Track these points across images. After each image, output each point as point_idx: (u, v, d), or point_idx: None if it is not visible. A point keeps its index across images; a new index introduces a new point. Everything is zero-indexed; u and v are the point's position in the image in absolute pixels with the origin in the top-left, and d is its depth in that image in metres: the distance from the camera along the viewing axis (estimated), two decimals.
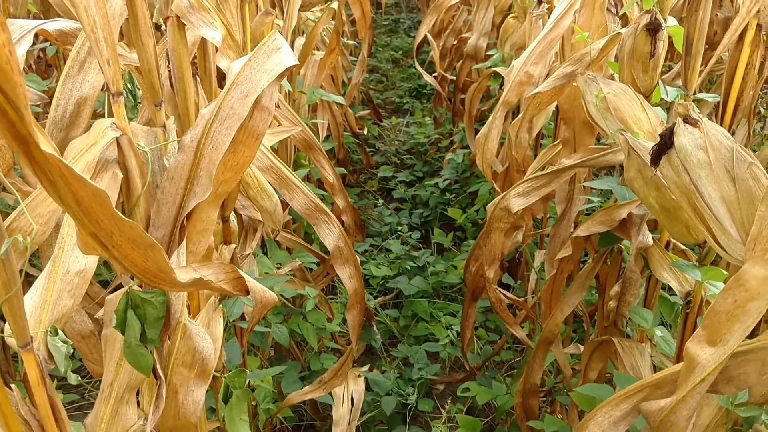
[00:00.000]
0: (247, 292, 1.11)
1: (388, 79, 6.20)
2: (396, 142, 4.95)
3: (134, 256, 0.81)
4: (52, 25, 1.21)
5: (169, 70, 1.20)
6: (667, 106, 1.48)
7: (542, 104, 1.89)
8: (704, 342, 0.94)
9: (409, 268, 3.31)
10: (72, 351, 0.93)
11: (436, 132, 4.78)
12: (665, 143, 1.07)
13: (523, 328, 2.36)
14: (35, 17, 2.44)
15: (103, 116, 1.02)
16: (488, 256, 1.99)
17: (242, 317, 1.71)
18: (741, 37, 1.36)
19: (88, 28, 0.88)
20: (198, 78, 1.42)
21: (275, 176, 1.75)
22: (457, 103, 4.20)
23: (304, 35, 2.87)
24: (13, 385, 0.86)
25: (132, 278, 0.98)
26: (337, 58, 3.10)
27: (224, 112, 0.99)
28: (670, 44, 1.45)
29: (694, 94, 1.39)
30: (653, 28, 1.38)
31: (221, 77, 1.54)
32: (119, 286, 1.04)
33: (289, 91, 2.55)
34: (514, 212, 1.75)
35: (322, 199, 1.86)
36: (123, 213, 0.76)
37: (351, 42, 4.41)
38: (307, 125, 2.43)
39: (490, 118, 2.13)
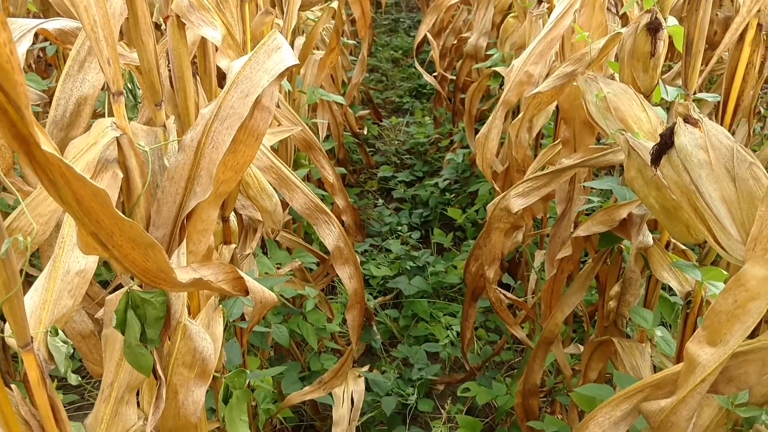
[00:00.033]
0: (246, 292, 1.11)
1: (387, 78, 6.20)
2: (396, 142, 4.95)
3: (134, 256, 0.81)
4: (52, 25, 1.21)
5: (169, 70, 1.20)
6: (668, 106, 1.48)
7: (542, 104, 1.89)
8: (704, 342, 0.94)
9: (409, 268, 3.31)
10: (72, 351, 0.93)
11: (436, 132, 4.78)
12: (665, 143, 1.07)
13: (523, 328, 2.36)
14: (35, 16, 2.44)
15: (103, 116, 1.02)
16: (488, 256, 1.98)
17: (242, 317, 1.71)
18: (741, 37, 1.36)
19: (89, 28, 0.88)
20: (198, 77, 1.42)
21: (275, 176, 1.75)
22: (457, 103, 4.20)
23: (304, 35, 2.87)
24: (13, 386, 0.86)
25: (132, 278, 0.98)
26: (337, 58, 3.09)
27: (224, 112, 0.99)
28: (670, 44, 1.45)
29: (695, 93, 1.39)
30: (654, 28, 1.38)
31: (221, 77, 1.53)
32: (119, 286, 1.04)
33: (289, 90, 2.55)
34: (514, 212, 1.75)
35: (322, 199, 1.86)
36: (123, 213, 0.76)
37: (351, 41, 4.41)
38: (307, 125, 2.43)
39: (490, 118, 2.13)
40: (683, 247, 1.60)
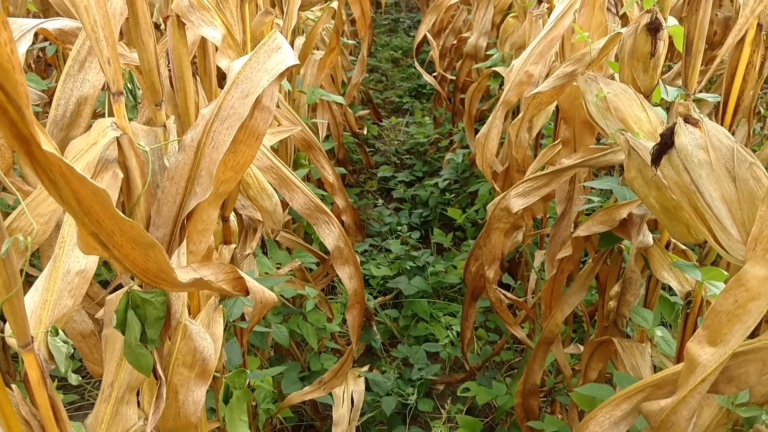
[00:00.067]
0: (247, 292, 1.11)
1: (387, 78, 6.20)
2: (396, 142, 4.95)
3: (135, 256, 0.81)
4: (52, 24, 1.21)
5: (169, 70, 1.20)
6: (668, 106, 1.48)
7: (542, 104, 1.89)
8: (705, 342, 0.94)
9: (408, 268, 3.31)
10: (72, 351, 0.93)
11: (436, 132, 4.78)
12: (666, 143, 1.07)
13: (523, 328, 2.36)
14: (35, 16, 2.43)
15: (103, 116, 1.02)
16: (488, 256, 1.98)
17: (242, 317, 1.71)
18: (742, 37, 1.36)
19: (89, 27, 0.88)
20: (198, 77, 1.42)
21: (275, 176, 1.75)
22: (457, 103, 4.20)
23: (304, 35, 2.87)
24: (13, 386, 0.86)
25: (132, 278, 0.98)
26: (337, 58, 3.10)
27: (225, 112, 0.99)
28: (670, 44, 1.45)
29: (695, 94, 1.39)
30: (654, 28, 1.38)
31: (221, 77, 1.53)
32: (119, 286, 1.04)
33: (288, 90, 2.55)
34: (514, 212, 1.75)
35: (322, 199, 1.86)
36: (123, 213, 0.76)
37: (351, 41, 4.41)
38: (306, 125, 2.43)
39: (490, 118, 2.13)
40: (683, 247, 1.60)
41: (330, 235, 1.84)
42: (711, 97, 1.48)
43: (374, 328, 2.84)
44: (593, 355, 1.81)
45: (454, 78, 4.25)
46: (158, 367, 1.01)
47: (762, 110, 2.52)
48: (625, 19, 2.12)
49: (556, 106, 2.13)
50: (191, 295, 1.27)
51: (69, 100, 1.22)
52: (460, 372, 2.81)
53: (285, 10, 2.38)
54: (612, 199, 1.70)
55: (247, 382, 1.52)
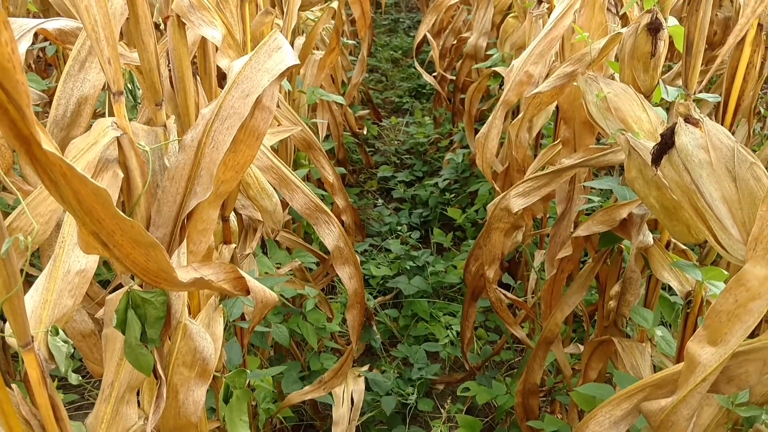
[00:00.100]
0: (247, 291, 1.11)
1: (387, 78, 6.20)
2: (395, 142, 4.95)
3: (135, 256, 0.81)
4: (52, 24, 1.21)
5: (170, 70, 1.20)
6: (668, 106, 1.48)
7: (542, 104, 1.89)
8: (705, 342, 0.94)
9: (408, 268, 3.31)
10: (72, 351, 0.93)
11: (436, 132, 4.78)
12: (666, 143, 1.07)
13: (523, 328, 2.36)
14: (35, 16, 2.44)
15: (103, 116, 1.02)
16: (488, 256, 1.98)
17: (242, 317, 1.71)
18: (742, 37, 1.36)
19: (89, 27, 0.88)
20: (198, 77, 1.42)
21: (275, 176, 1.75)
22: (457, 103, 4.20)
23: (304, 35, 2.87)
24: (14, 385, 0.86)
25: (132, 278, 0.98)
26: (337, 58, 3.10)
27: (225, 112, 0.99)
28: (670, 44, 1.45)
29: (695, 93, 1.39)
30: (654, 28, 1.38)
31: (221, 77, 1.54)
32: (119, 286, 1.04)
33: (288, 90, 2.55)
34: (514, 212, 1.75)
35: (321, 199, 1.86)
36: (123, 212, 0.76)
37: (351, 42, 4.41)
38: (306, 125, 2.43)
39: (490, 118, 2.13)
40: (683, 247, 1.60)
41: (330, 235, 1.84)
42: (711, 97, 1.48)
43: (374, 327, 2.84)
44: (593, 354, 1.81)
45: (454, 78, 4.25)
46: (158, 366, 1.01)
47: (762, 110, 2.52)
48: (625, 19, 2.12)
49: (556, 106, 2.13)
50: (191, 295, 1.27)
51: (69, 99, 1.22)
52: (460, 372, 2.81)
53: (285, 10, 2.38)
54: (612, 199, 1.70)
55: (247, 382, 1.52)
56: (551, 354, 2.02)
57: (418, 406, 2.58)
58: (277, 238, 2.28)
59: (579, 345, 2.29)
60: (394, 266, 3.35)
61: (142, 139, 1.07)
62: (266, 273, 2.00)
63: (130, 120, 1.01)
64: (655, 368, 1.60)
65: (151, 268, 0.83)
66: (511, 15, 3.07)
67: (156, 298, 0.99)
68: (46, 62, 2.94)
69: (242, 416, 1.48)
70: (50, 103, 1.23)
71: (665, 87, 1.46)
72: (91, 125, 1.02)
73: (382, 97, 5.78)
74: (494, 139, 2.16)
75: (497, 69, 3.00)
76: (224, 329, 1.37)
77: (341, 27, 3.21)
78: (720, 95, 1.46)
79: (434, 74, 4.45)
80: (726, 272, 1.32)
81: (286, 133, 2.00)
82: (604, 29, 1.86)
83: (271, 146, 1.94)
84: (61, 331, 0.92)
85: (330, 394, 2.11)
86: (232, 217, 1.65)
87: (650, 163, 1.12)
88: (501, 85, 3.00)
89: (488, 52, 3.33)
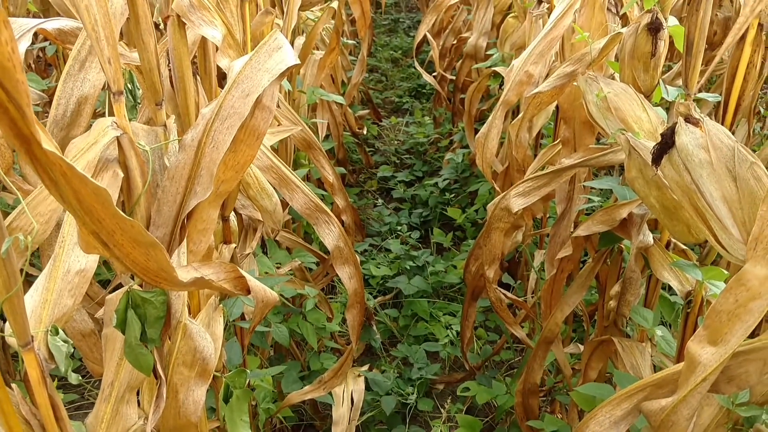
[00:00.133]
0: (248, 291, 1.11)
1: (387, 78, 6.20)
2: (395, 142, 4.95)
3: (135, 255, 0.81)
4: (52, 24, 1.21)
5: (170, 70, 1.20)
6: (668, 106, 1.48)
7: (542, 104, 1.89)
8: (705, 341, 0.94)
9: (408, 267, 3.31)
10: (72, 350, 0.93)
11: (436, 132, 4.78)
12: (666, 143, 1.07)
13: (523, 327, 2.36)
14: (35, 16, 2.43)
15: (103, 115, 1.02)
16: (488, 256, 1.98)
17: (242, 317, 1.71)
18: (742, 37, 1.36)
19: (89, 27, 0.88)
20: (198, 77, 1.42)
21: (275, 176, 1.75)
22: (457, 103, 4.20)
23: (304, 35, 2.87)
24: (13, 385, 0.86)
25: (132, 277, 0.98)
26: (337, 58, 3.10)
27: (225, 111, 0.99)
28: (670, 44, 1.45)
29: (695, 93, 1.39)
30: (654, 28, 1.38)
31: (221, 76, 1.54)
32: (119, 286, 1.04)
33: (288, 90, 2.55)
34: (514, 212, 1.75)
35: (321, 199, 1.86)
36: (123, 212, 0.76)
37: (351, 41, 4.41)
38: (306, 125, 2.43)
39: (489, 118, 2.13)
40: (684, 247, 1.60)
41: (330, 234, 1.84)
42: (711, 97, 1.48)
43: (374, 327, 2.84)
44: (593, 354, 1.81)
45: (454, 78, 4.25)
46: (158, 366, 1.01)
47: (762, 110, 2.52)
48: (625, 19, 2.12)
49: (556, 106, 2.13)
50: (191, 295, 1.27)
51: (69, 99, 1.22)
52: (460, 371, 2.81)
53: (285, 10, 2.38)
54: (612, 198, 1.70)
55: (247, 382, 1.52)
56: (551, 354, 2.02)
57: (418, 405, 2.58)
58: (277, 238, 2.28)
59: (579, 345, 2.29)
60: (394, 266, 3.35)
61: (142, 139, 1.07)
62: (266, 273, 2.00)
63: (130, 120, 1.00)
64: (655, 368, 1.60)
65: (151, 267, 0.83)
66: (511, 15, 3.07)
67: (156, 297, 0.99)
68: (46, 62, 2.94)
69: (242, 416, 1.48)
70: (50, 102, 1.23)
71: (665, 87, 1.46)
72: (91, 125, 1.02)
73: (382, 97, 5.78)
74: (494, 139, 2.16)
75: (497, 69, 3.00)
76: (224, 329, 1.37)
77: (341, 27, 3.21)
78: (720, 95, 1.46)
79: (434, 74, 4.45)
80: (726, 272, 1.32)
81: (286, 133, 2.00)
82: (604, 29, 1.86)
83: (271, 146, 1.94)
84: (61, 331, 0.92)
85: (330, 393, 2.11)
86: (232, 216, 1.65)
87: (650, 163, 1.12)
88: (501, 85, 3.00)
89: (488, 52, 3.33)
